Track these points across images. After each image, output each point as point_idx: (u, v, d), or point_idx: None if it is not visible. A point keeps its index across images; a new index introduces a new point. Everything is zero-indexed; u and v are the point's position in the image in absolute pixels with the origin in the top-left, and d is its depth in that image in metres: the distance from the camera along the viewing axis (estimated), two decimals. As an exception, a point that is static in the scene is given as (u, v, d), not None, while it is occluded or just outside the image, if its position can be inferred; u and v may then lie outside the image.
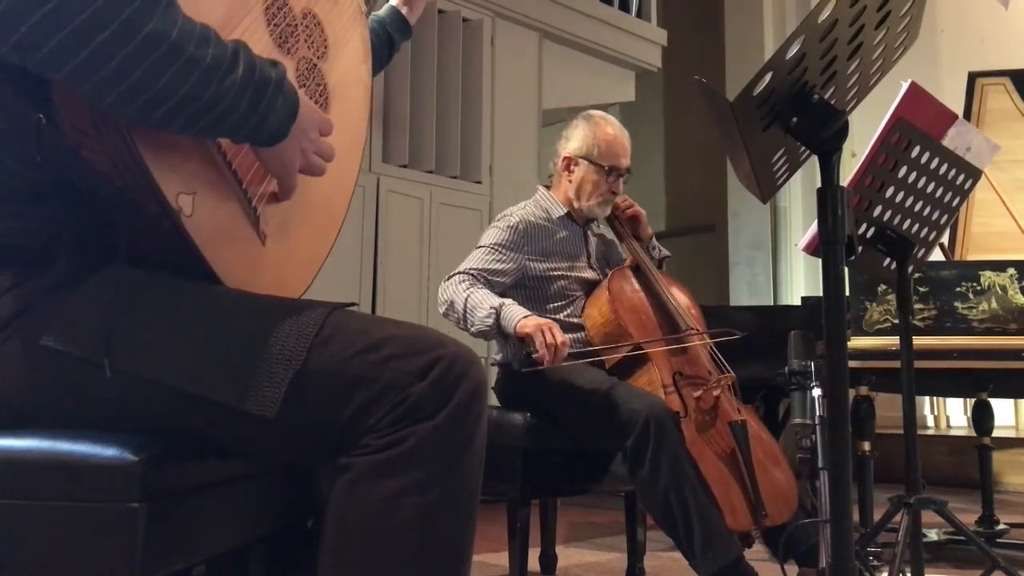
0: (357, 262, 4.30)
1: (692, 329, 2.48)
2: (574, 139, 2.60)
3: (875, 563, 2.57)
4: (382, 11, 1.68)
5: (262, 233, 1.14)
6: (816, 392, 1.72)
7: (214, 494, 1.05)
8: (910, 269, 2.05)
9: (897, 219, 1.98)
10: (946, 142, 1.98)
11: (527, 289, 2.47)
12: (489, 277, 2.42)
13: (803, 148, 1.26)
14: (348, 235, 3.52)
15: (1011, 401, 5.57)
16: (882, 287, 2.92)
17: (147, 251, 1.03)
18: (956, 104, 3.05)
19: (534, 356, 2.19)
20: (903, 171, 1.93)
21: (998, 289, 2.86)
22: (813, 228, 1.94)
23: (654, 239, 2.75)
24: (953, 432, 5.96)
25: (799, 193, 6.61)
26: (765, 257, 6.75)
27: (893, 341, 2.70)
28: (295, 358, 0.98)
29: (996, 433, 3.33)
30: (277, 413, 0.96)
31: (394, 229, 4.47)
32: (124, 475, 0.92)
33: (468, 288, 2.35)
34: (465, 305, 2.31)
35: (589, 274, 2.57)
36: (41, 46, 0.85)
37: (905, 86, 1.97)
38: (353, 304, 1.08)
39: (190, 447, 1.01)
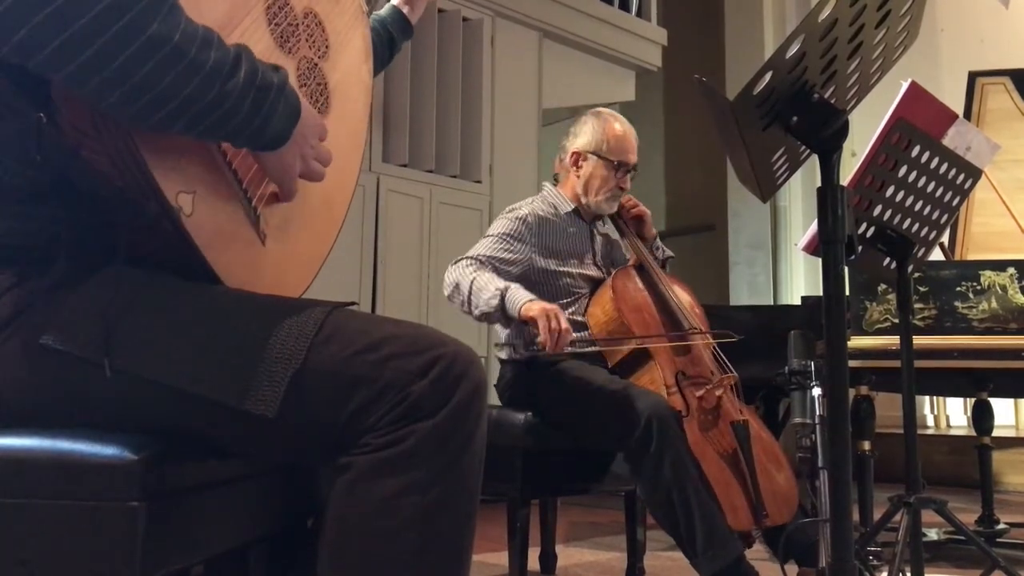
0: (357, 261, 4.30)
1: (695, 328, 2.48)
2: (583, 135, 2.60)
3: (875, 563, 2.57)
4: (383, 10, 1.68)
5: (262, 233, 1.14)
6: (816, 392, 1.72)
7: (214, 494, 1.05)
8: (910, 269, 2.05)
9: (897, 218, 1.98)
10: (946, 141, 1.98)
11: (533, 284, 2.46)
12: (497, 265, 2.41)
13: (803, 147, 1.26)
14: (348, 234, 3.52)
15: (1011, 401, 5.57)
16: (882, 287, 2.92)
17: (147, 251, 1.03)
18: (956, 104, 3.05)
19: (536, 341, 2.17)
20: (903, 170, 1.93)
21: (998, 289, 2.86)
22: (813, 228, 1.94)
23: (658, 239, 2.75)
24: (953, 432, 5.96)
25: (799, 193, 6.61)
26: (765, 257, 6.75)
27: (893, 341, 2.70)
28: (295, 357, 0.98)
29: (996, 433, 3.34)
30: (277, 413, 0.96)
31: (394, 228, 4.47)
32: (124, 474, 0.92)
33: (475, 271, 2.34)
34: (471, 287, 2.29)
35: (594, 272, 2.57)
36: (43, 47, 0.85)
37: (905, 85, 1.97)
38: (353, 303, 1.08)
39: (190, 447, 1.01)
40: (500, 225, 2.50)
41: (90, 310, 0.99)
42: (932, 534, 2.96)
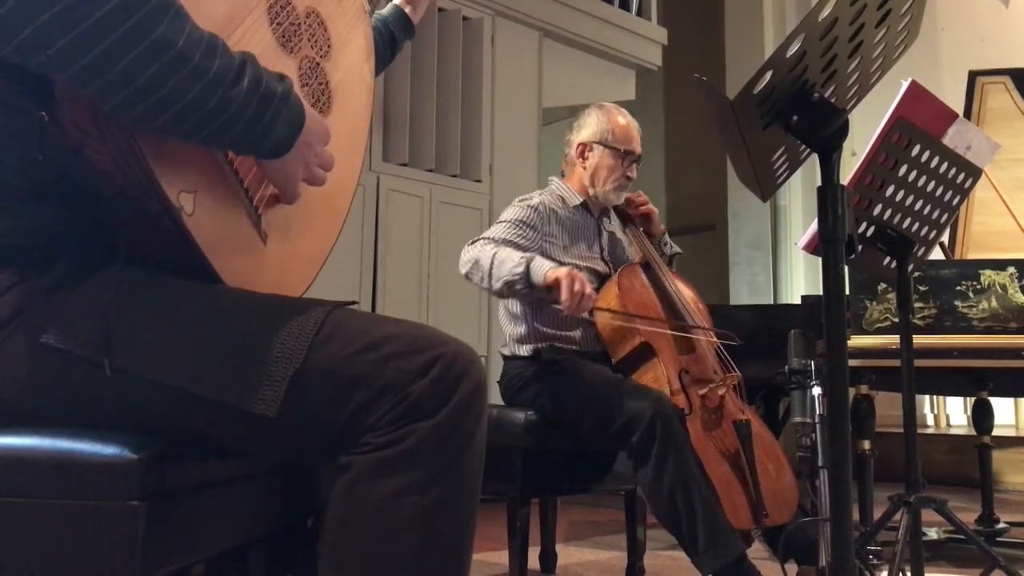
0: (357, 261, 4.30)
1: (700, 326, 2.49)
2: (587, 126, 2.62)
3: (875, 562, 2.57)
4: (385, 10, 1.68)
5: (263, 233, 1.14)
6: (816, 391, 1.72)
7: (214, 493, 1.05)
8: (910, 268, 2.05)
9: (897, 218, 1.98)
10: (946, 141, 1.98)
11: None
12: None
13: (803, 147, 1.26)
14: (348, 234, 3.53)
15: (1011, 400, 5.57)
16: (882, 286, 2.92)
17: (148, 250, 1.03)
18: (956, 103, 3.05)
19: (559, 303, 2.18)
20: (903, 170, 1.93)
21: (998, 288, 2.86)
22: (813, 227, 1.94)
23: (666, 235, 2.75)
24: (953, 431, 5.97)
25: (799, 192, 6.61)
26: (765, 256, 6.75)
27: (893, 340, 2.70)
28: (295, 357, 0.98)
29: (996, 432, 3.34)
30: (277, 412, 0.96)
31: (394, 228, 4.47)
32: (124, 474, 0.92)
33: (495, 247, 2.34)
34: (492, 260, 2.29)
35: (601, 267, 2.57)
36: (47, 47, 0.85)
37: (905, 85, 1.97)
38: (354, 303, 1.08)
39: (190, 447, 1.01)
40: (512, 212, 2.50)
41: (90, 309, 0.99)
42: (932, 533, 2.95)
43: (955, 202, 2.07)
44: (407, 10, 1.69)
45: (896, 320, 2.76)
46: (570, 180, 2.65)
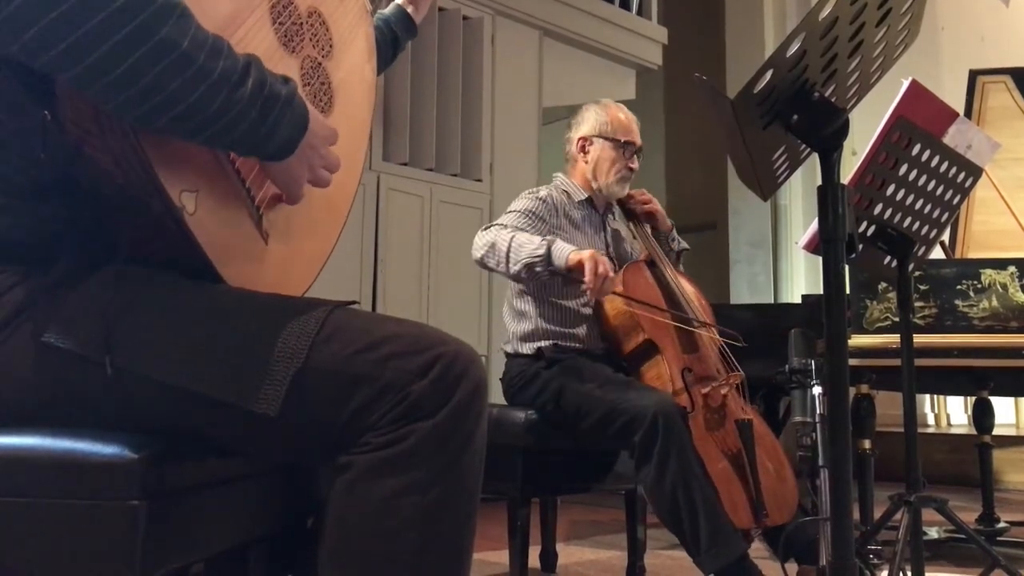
0: (357, 260, 4.30)
1: (708, 323, 2.50)
2: (586, 121, 2.65)
3: (875, 561, 2.57)
4: (388, 9, 1.68)
5: (264, 232, 1.14)
6: (816, 390, 1.72)
7: (214, 493, 1.05)
8: (911, 267, 2.05)
9: (898, 217, 1.98)
10: (947, 140, 1.98)
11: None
12: None
13: (803, 146, 1.26)
14: (348, 233, 3.53)
15: (1011, 399, 5.58)
16: (883, 285, 2.92)
17: (150, 249, 1.03)
18: (957, 102, 3.06)
19: (581, 286, 2.20)
20: (904, 169, 1.93)
21: (999, 287, 2.86)
22: (813, 226, 1.94)
23: (674, 231, 2.76)
24: (953, 430, 5.97)
25: (799, 191, 6.61)
26: (765, 255, 6.75)
27: (893, 339, 2.70)
28: (296, 356, 0.97)
29: (996, 431, 3.34)
30: (278, 411, 0.96)
31: (394, 227, 4.47)
32: (124, 473, 0.92)
33: (512, 232, 2.35)
34: (510, 244, 2.29)
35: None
36: (51, 47, 0.85)
37: (906, 84, 1.97)
38: (354, 302, 1.08)
39: (190, 446, 1.01)
40: (522, 203, 2.51)
41: (91, 308, 0.99)
42: (932, 533, 2.95)
43: (955, 201, 2.07)
44: (409, 9, 1.69)
45: (896, 319, 2.76)
46: (573, 176, 2.66)
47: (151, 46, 0.87)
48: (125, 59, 0.86)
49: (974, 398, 3.27)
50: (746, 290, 6.81)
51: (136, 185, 0.97)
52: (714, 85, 1.16)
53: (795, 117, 1.16)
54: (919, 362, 2.17)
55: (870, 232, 1.98)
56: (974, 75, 3.67)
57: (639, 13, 5.73)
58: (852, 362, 2.72)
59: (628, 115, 2.66)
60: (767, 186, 1.29)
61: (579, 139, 2.64)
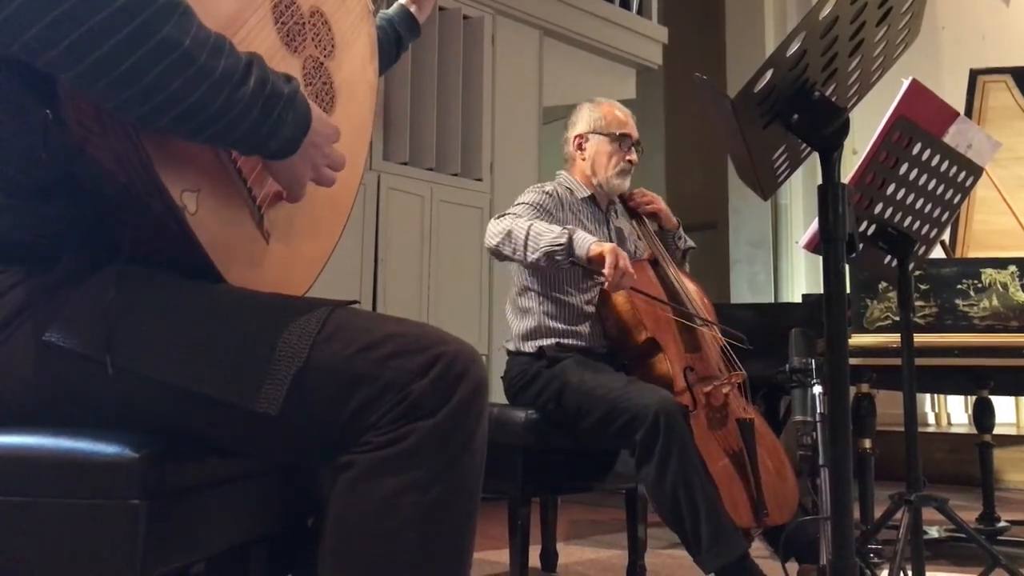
0: (358, 260, 4.30)
1: (714, 323, 2.51)
2: (580, 119, 2.67)
3: (876, 560, 2.57)
4: (391, 9, 1.68)
5: (266, 232, 1.14)
6: (817, 389, 1.72)
7: (215, 492, 1.05)
8: (911, 266, 2.04)
9: (898, 216, 1.98)
10: (947, 139, 1.98)
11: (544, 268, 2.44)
12: None
13: (804, 145, 1.26)
14: (349, 233, 3.54)
15: (1012, 398, 5.57)
16: (883, 284, 2.92)
17: (151, 249, 1.03)
18: (957, 101, 3.05)
19: (600, 276, 2.22)
20: (904, 168, 1.93)
21: (999, 286, 2.86)
22: (814, 225, 1.93)
23: (680, 229, 2.76)
24: (954, 429, 5.97)
25: (800, 190, 6.61)
26: (766, 254, 6.75)
27: (894, 338, 2.70)
28: (297, 356, 0.97)
29: (997, 430, 3.34)
30: (279, 411, 0.96)
31: (395, 227, 4.47)
32: (125, 472, 0.92)
33: (528, 221, 2.35)
34: (528, 232, 2.30)
35: None
36: (52, 46, 0.85)
37: (906, 83, 1.97)
38: (355, 302, 1.08)
39: (191, 445, 1.01)
40: (529, 197, 2.52)
41: (92, 308, 0.99)
42: (933, 532, 2.96)
43: (956, 200, 2.07)
44: (413, 9, 1.69)
45: (897, 319, 2.76)
46: (574, 175, 2.66)
47: (152, 45, 0.87)
48: (126, 58, 0.86)
49: (974, 397, 3.28)
50: (746, 289, 6.81)
51: (137, 185, 0.97)
52: (714, 84, 1.16)
53: (795, 116, 1.16)
54: (919, 361, 2.17)
55: (870, 231, 1.98)
56: (974, 74, 3.67)
57: (639, 12, 5.73)
58: (852, 361, 2.73)
59: (622, 110, 2.67)
60: (767, 185, 1.29)
61: (575, 137, 2.65)
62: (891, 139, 1.90)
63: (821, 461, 1.67)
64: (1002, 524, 3.18)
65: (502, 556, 2.68)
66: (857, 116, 1.28)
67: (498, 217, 2.44)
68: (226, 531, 1.08)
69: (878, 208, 1.94)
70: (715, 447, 2.20)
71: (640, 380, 2.30)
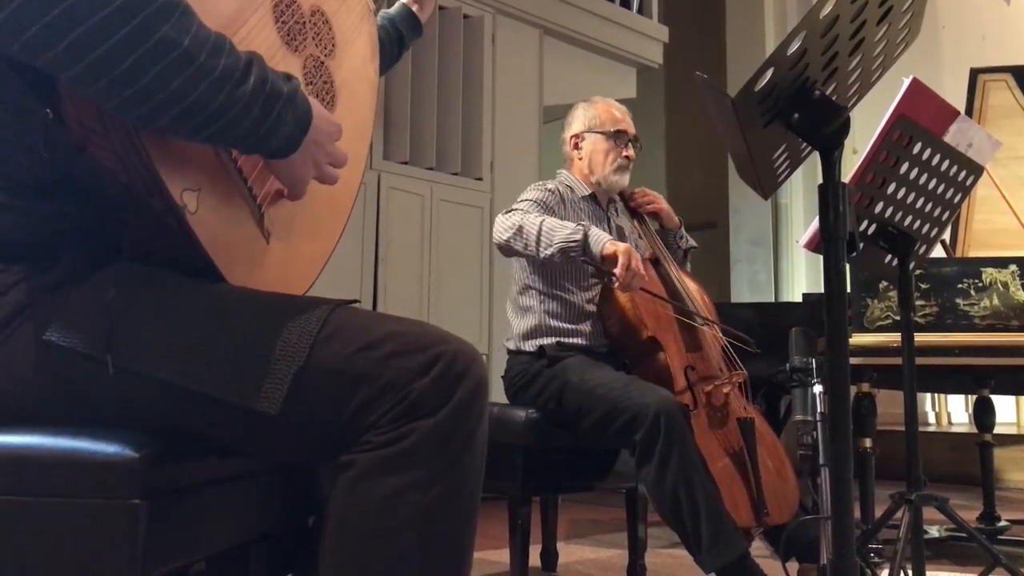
0: (358, 259, 4.30)
1: (716, 323, 2.51)
2: (575, 120, 2.69)
3: (876, 560, 2.57)
4: (393, 9, 1.68)
5: (266, 231, 1.14)
6: (817, 389, 1.72)
7: (215, 492, 1.05)
8: (912, 266, 2.04)
9: (899, 215, 1.98)
10: (948, 138, 1.98)
11: (555, 262, 2.43)
12: None
13: (804, 144, 1.26)
14: (349, 232, 3.54)
15: (1012, 398, 5.57)
16: (883, 284, 2.92)
17: (152, 248, 1.03)
18: (958, 100, 3.05)
19: (611, 275, 2.23)
20: (904, 167, 1.93)
21: (999, 286, 2.86)
22: (814, 225, 1.94)
23: (683, 228, 2.76)
24: (954, 429, 5.97)
25: (800, 190, 6.61)
26: (766, 254, 6.75)
27: (894, 338, 2.70)
28: (298, 355, 0.98)
29: (997, 430, 3.34)
30: (279, 410, 0.96)
31: (395, 226, 4.47)
32: (126, 472, 0.92)
33: (539, 216, 2.36)
34: (540, 227, 2.30)
35: None
36: (52, 46, 0.85)
37: (907, 82, 1.96)
38: (355, 301, 1.08)
39: (191, 445, 1.01)
40: (533, 194, 2.53)
41: (93, 307, 0.99)
42: (933, 531, 2.96)
43: (956, 200, 2.07)
44: (415, 8, 1.69)
45: (897, 318, 2.76)
46: (573, 174, 2.66)
47: (152, 44, 0.87)
48: (126, 57, 0.86)
49: (975, 396, 3.27)
50: (747, 289, 6.81)
51: (138, 184, 0.97)
52: (715, 83, 1.16)
53: (796, 115, 1.16)
54: (920, 361, 2.17)
55: (871, 231, 1.98)
56: (975, 73, 3.67)
57: (640, 12, 5.73)
58: (853, 361, 2.73)
59: (618, 107, 2.68)
60: (768, 185, 1.28)
61: (571, 137, 2.67)
62: (891, 138, 1.90)
63: (821, 460, 1.67)
64: (1003, 523, 3.18)
65: (502, 556, 2.68)
66: (857, 115, 1.28)
67: (505, 212, 2.44)
68: (226, 531, 1.08)
69: (879, 207, 1.94)
70: (715, 446, 2.20)
71: (641, 379, 2.30)
